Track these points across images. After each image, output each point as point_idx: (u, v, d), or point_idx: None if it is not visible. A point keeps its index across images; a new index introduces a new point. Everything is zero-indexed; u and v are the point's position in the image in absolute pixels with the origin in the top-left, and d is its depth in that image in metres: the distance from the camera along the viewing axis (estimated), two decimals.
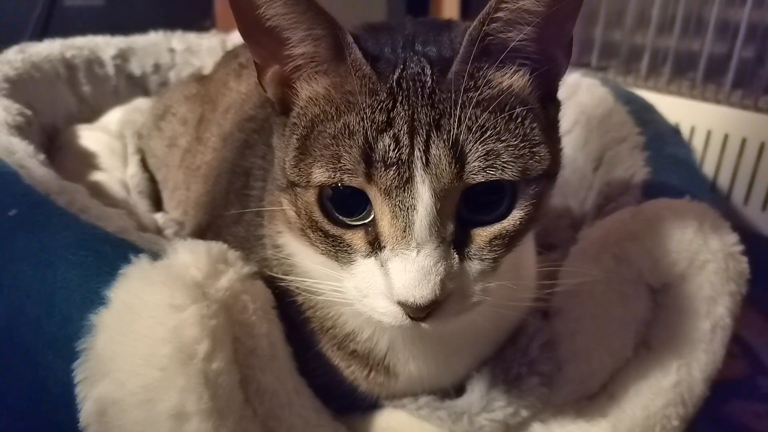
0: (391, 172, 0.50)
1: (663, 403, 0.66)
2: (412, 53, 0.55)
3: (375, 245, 0.53)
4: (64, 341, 0.57)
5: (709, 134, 1.52)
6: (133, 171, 1.24)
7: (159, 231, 1.05)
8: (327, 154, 0.52)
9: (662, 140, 1.10)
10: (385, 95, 0.52)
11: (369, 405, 0.72)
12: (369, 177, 0.51)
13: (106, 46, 1.51)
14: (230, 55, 1.24)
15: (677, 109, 1.51)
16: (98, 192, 1.07)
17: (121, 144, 1.32)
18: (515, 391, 0.69)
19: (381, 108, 0.52)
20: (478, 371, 0.71)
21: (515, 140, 0.52)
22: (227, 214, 0.85)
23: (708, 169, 1.53)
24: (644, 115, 1.19)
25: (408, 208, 0.50)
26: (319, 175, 0.53)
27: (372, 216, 0.53)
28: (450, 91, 0.51)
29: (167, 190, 1.19)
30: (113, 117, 1.41)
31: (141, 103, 1.44)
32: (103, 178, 1.16)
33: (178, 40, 1.64)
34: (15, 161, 0.79)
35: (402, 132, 0.50)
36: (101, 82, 1.49)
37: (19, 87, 1.18)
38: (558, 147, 0.59)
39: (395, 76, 0.53)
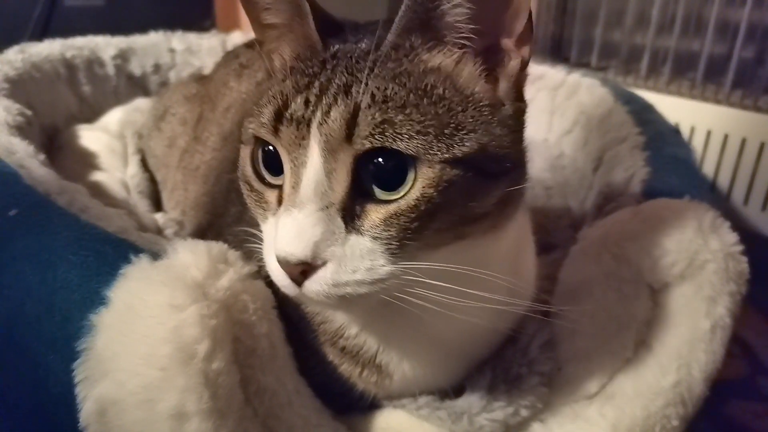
0: (294, 129, 0.52)
1: (663, 403, 0.66)
2: (371, 35, 0.56)
3: (281, 204, 0.54)
4: (64, 341, 0.57)
5: (709, 134, 1.53)
6: (133, 171, 1.24)
7: (159, 231, 1.05)
8: (260, 111, 0.56)
9: (662, 140, 1.10)
10: (317, 62, 0.55)
11: (368, 405, 0.72)
12: (276, 132, 0.53)
13: (106, 46, 1.51)
14: (230, 55, 1.24)
15: (677, 109, 1.51)
16: (98, 192, 1.07)
17: (122, 144, 1.32)
18: (515, 391, 0.69)
19: (308, 73, 0.55)
20: (477, 372, 0.71)
21: (422, 117, 0.51)
22: (229, 213, 0.85)
23: (708, 169, 1.53)
24: (644, 115, 1.19)
25: (300, 165, 0.52)
26: (252, 129, 0.56)
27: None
28: (373, 62, 0.52)
29: (166, 190, 1.19)
30: (113, 117, 1.41)
31: (141, 103, 1.44)
32: (103, 178, 1.16)
33: (178, 40, 1.65)
34: (15, 161, 0.79)
35: (312, 94, 0.53)
36: (101, 82, 1.49)
37: (20, 87, 1.18)
38: (500, 145, 0.54)
39: (335, 48, 0.56)
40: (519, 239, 0.68)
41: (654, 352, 0.69)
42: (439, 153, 0.50)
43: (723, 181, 1.52)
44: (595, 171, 1.16)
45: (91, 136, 1.29)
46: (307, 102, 0.52)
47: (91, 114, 1.43)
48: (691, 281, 0.70)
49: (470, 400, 0.69)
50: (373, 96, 0.51)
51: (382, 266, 0.51)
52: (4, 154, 0.80)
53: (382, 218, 0.51)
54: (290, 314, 0.69)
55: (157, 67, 1.59)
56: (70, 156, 1.20)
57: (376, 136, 0.49)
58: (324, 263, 0.51)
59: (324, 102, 0.51)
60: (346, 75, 0.53)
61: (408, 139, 0.50)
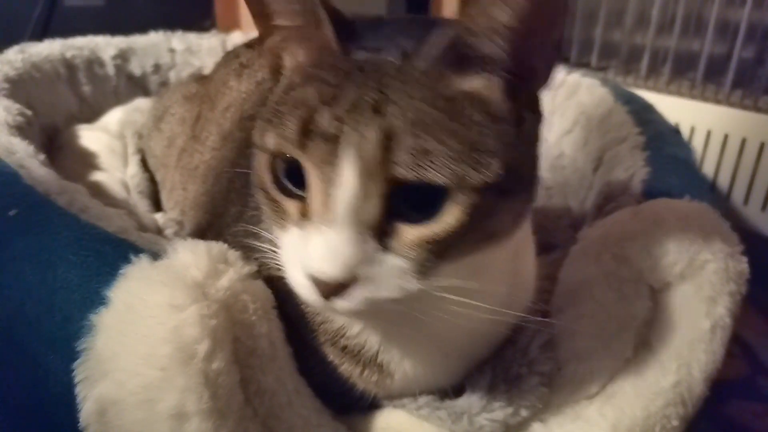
0: (323, 146, 0.50)
1: (663, 403, 0.66)
2: (390, 42, 0.55)
3: (305, 217, 0.53)
4: (64, 341, 0.57)
5: (709, 134, 1.53)
6: (133, 171, 1.24)
7: (159, 231, 1.05)
8: (279, 121, 0.54)
9: (662, 140, 1.10)
10: (342, 72, 0.53)
11: (368, 405, 0.72)
12: (303, 147, 0.51)
13: (106, 46, 1.51)
14: (231, 55, 1.24)
15: (677, 109, 1.51)
16: (98, 192, 1.07)
17: (122, 144, 1.33)
18: (515, 391, 0.69)
19: (333, 84, 0.53)
20: (477, 371, 0.71)
21: (458, 145, 0.50)
22: (228, 213, 0.85)
23: (708, 169, 1.53)
24: (644, 115, 1.19)
25: (329, 183, 0.51)
26: (270, 141, 0.54)
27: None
28: (404, 81, 0.51)
29: (165, 190, 1.19)
30: (113, 117, 1.41)
31: (141, 103, 1.44)
32: (103, 178, 1.16)
33: (178, 40, 1.65)
34: (15, 161, 0.79)
35: (343, 109, 0.51)
36: (101, 82, 1.49)
37: (20, 87, 1.18)
38: (521, 163, 0.54)
39: (359, 58, 0.54)
40: (519, 240, 0.68)
41: (654, 352, 0.69)
42: (472, 180, 0.50)
43: (723, 181, 1.52)
44: (595, 171, 1.16)
45: (91, 136, 1.29)
46: (336, 118, 0.51)
47: (91, 114, 1.43)
48: (691, 281, 0.70)
49: (470, 400, 0.69)
50: (408, 119, 0.49)
51: (413, 285, 0.52)
52: (4, 154, 0.80)
53: (415, 240, 0.51)
54: (290, 314, 0.69)
55: (157, 67, 1.59)
56: (70, 156, 1.20)
57: (414, 166, 0.49)
58: (356, 282, 0.51)
59: (355, 120, 0.50)
60: (377, 92, 0.51)
61: (445, 171, 0.49)
